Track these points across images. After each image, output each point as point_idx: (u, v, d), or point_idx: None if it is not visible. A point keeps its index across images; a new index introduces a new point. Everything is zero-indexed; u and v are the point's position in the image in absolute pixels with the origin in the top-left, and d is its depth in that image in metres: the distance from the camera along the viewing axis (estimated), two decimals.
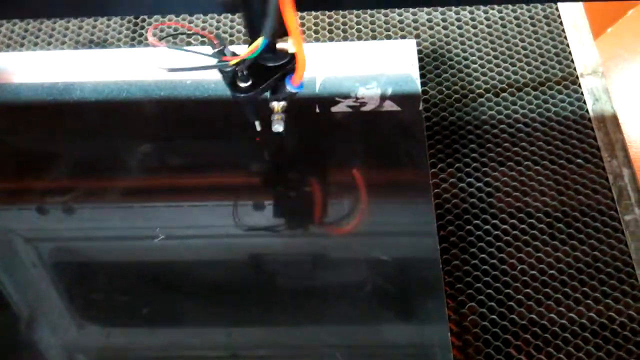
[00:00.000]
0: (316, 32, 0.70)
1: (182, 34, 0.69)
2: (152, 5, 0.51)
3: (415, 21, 0.70)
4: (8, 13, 0.61)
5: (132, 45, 0.70)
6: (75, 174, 0.59)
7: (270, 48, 0.47)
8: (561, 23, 0.69)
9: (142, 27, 0.71)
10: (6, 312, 0.52)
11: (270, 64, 0.49)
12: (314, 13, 0.71)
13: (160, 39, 0.68)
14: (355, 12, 0.71)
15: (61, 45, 0.70)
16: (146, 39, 0.70)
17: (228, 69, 0.47)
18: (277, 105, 0.54)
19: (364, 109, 0.62)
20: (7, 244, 0.56)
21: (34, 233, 0.57)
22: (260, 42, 0.43)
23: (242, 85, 0.49)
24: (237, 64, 0.46)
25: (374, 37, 0.69)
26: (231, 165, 0.60)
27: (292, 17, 0.39)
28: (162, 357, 0.50)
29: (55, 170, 0.60)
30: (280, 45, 0.48)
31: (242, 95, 0.49)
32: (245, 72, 0.48)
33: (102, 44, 0.70)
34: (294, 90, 0.51)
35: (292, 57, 0.48)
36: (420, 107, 0.62)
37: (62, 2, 0.53)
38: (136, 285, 0.53)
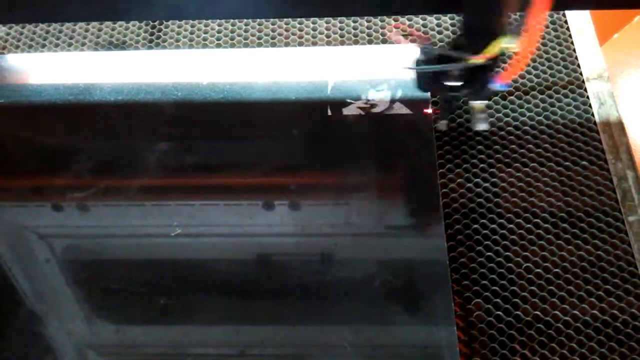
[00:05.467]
0: (327, 36, 0.72)
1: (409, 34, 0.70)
2: (173, 9, 0.53)
3: (424, 26, 0.72)
4: (31, 17, 0.63)
5: (150, 48, 0.72)
6: (92, 172, 0.61)
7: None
8: (568, 29, 0.71)
9: (160, 30, 0.73)
10: (20, 306, 0.54)
11: (482, 64, 0.49)
12: (325, 18, 0.73)
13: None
14: (366, 17, 0.73)
15: (81, 47, 0.73)
16: (165, 41, 0.72)
17: (469, 67, 0.48)
18: (479, 105, 0.55)
19: (374, 110, 0.63)
20: (24, 240, 0.58)
21: (49, 229, 0.58)
22: (505, 42, 0.44)
23: (450, 84, 0.50)
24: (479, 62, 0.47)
25: (384, 42, 0.71)
26: (244, 166, 0.62)
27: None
28: (171, 354, 0.51)
29: (72, 169, 0.61)
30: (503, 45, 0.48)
31: (450, 94, 0.50)
32: (457, 72, 0.48)
33: (121, 45, 0.72)
34: (500, 89, 0.51)
35: (497, 57, 0.49)
36: (430, 110, 0.63)
37: (83, 7, 0.55)
38: (146, 282, 0.54)
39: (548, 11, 0.42)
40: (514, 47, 0.48)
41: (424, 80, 0.53)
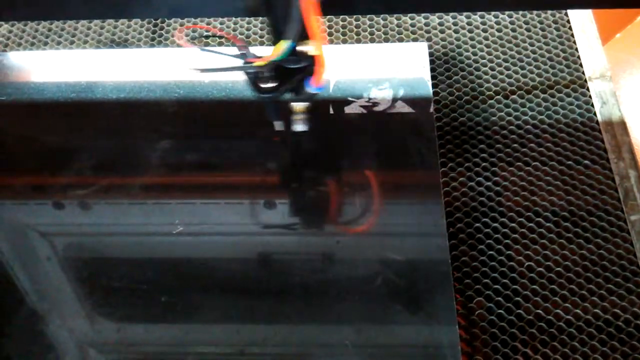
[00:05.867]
0: (330, 34, 0.72)
1: (212, 36, 0.71)
2: (175, 8, 0.53)
3: (427, 24, 0.72)
4: (33, 15, 0.63)
5: (152, 45, 0.72)
6: (94, 170, 0.61)
7: (293, 51, 0.49)
8: (570, 28, 0.71)
9: (162, 28, 0.73)
10: (21, 304, 0.54)
11: (292, 66, 0.51)
12: (328, 16, 0.73)
13: (191, 39, 0.70)
14: (368, 15, 0.73)
15: (83, 45, 0.73)
16: (168, 39, 0.72)
17: (252, 70, 0.49)
18: (297, 106, 0.56)
19: (376, 109, 0.63)
20: (25, 238, 0.58)
21: (50, 227, 0.58)
22: (285, 45, 0.45)
23: (265, 86, 0.50)
24: (261, 66, 0.48)
25: (386, 40, 0.71)
26: (246, 164, 0.62)
27: (315, 22, 0.41)
28: (172, 352, 0.51)
29: (74, 167, 0.61)
30: (301, 48, 0.50)
31: (265, 95, 0.51)
32: (268, 74, 0.49)
33: (123, 43, 0.72)
34: (314, 92, 0.52)
35: (313, 59, 0.50)
36: (432, 109, 0.63)
37: (85, 5, 0.55)
38: (148, 280, 0.54)
39: (319, 15, 0.42)
40: (310, 50, 0.49)
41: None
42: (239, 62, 0.50)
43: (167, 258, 0.56)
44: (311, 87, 0.52)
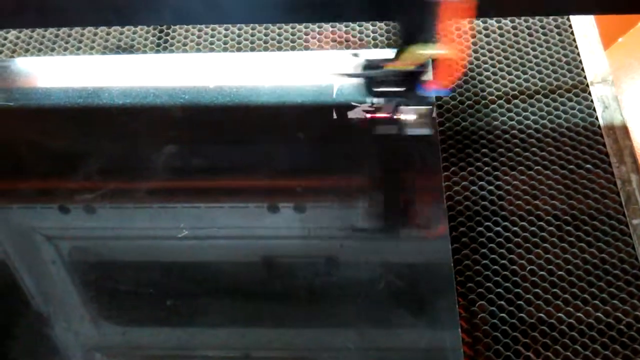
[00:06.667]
0: (334, 40, 0.72)
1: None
2: (180, 14, 0.54)
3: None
4: (40, 22, 0.64)
5: (158, 51, 0.73)
6: (100, 175, 0.62)
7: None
8: (572, 33, 0.71)
9: (167, 34, 0.74)
10: (27, 307, 0.54)
11: (415, 70, 0.51)
12: (331, 23, 0.74)
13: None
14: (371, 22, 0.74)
15: (90, 51, 0.74)
16: (173, 45, 0.72)
17: (383, 74, 0.49)
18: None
19: (379, 114, 0.64)
20: (32, 242, 0.59)
21: (57, 231, 0.59)
22: (425, 51, 0.45)
23: (381, 90, 0.50)
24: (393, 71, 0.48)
25: (389, 46, 0.72)
26: (250, 168, 0.62)
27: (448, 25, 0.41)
28: (177, 355, 0.52)
29: (80, 171, 0.62)
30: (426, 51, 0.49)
31: (380, 100, 0.50)
32: (396, 79, 0.49)
33: (129, 49, 0.73)
34: (432, 95, 0.52)
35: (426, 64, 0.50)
36: (434, 113, 0.64)
37: (91, 12, 0.55)
38: (153, 284, 0.55)
39: (455, 19, 0.42)
40: (431, 54, 0.49)
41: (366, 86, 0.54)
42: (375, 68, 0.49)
43: (173, 262, 0.57)
44: (425, 91, 0.52)
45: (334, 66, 0.64)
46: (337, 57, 0.69)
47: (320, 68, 0.68)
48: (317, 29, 0.73)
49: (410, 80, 0.51)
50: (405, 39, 0.47)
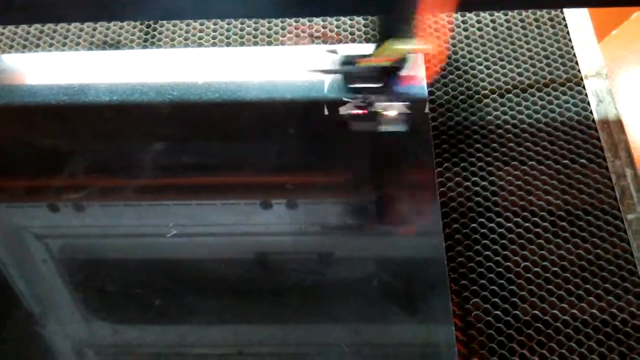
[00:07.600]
0: (324, 34, 0.71)
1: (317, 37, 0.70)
2: (168, 10, 0.53)
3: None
4: (24, 18, 0.63)
5: (145, 47, 0.71)
6: (88, 173, 0.61)
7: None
8: (566, 26, 0.71)
9: (155, 29, 0.73)
10: (16, 307, 0.53)
11: (395, 65, 0.50)
12: (322, 17, 0.73)
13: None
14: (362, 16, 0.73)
15: (75, 47, 0.72)
16: (160, 40, 0.71)
17: (361, 71, 0.48)
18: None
19: (371, 109, 0.63)
20: (19, 241, 0.58)
21: (45, 230, 0.58)
22: (404, 45, 0.44)
23: (355, 86, 0.49)
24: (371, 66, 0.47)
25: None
26: (240, 165, 0.62)
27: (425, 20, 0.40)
28: (168, 354, 0.51)
29: (68, 169, 0.61)
30: (404, 46, 0.48)
31: (360, 95, 0.49)
32: (371, 74, 0.48)
33: (116, 45, 0.72)
34: (411, 91, 0.51)
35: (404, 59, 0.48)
36: (427, 108, 0.63)
37: (77, 8, 0.54)
38: (144, 282, 0.54)
39: (432, 14, 0.42)
40: (408, 49, 0.48)
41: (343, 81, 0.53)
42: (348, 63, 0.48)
43: (163, 260, 0.56)
44: (404, 87, 0.51)
45: (325, 61, 0.63)
46: (328, 52, 0.68)
47: (311, 63, 0.67)
48: (308, 23, 0.72)
49: (393, 75, 0.50)
50: (385, 34, 0.46)
